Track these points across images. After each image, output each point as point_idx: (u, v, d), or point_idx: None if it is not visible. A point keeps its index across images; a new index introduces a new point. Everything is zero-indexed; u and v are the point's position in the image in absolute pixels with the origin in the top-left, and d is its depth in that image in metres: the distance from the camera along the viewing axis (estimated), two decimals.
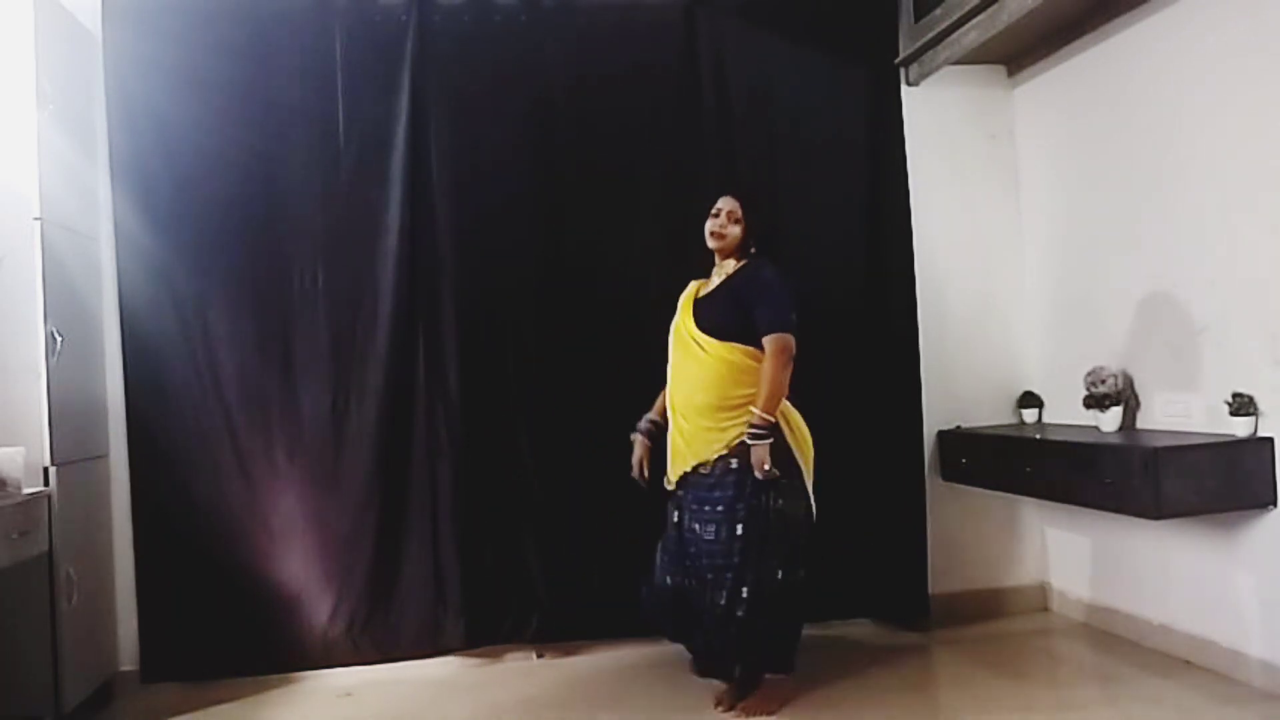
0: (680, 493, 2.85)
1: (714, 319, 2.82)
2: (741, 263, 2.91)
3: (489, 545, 3.41)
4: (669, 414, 2.91)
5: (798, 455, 2.79)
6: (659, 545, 2.94)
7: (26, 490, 2.72)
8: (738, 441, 2.72)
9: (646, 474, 3.00)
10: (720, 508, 2.73)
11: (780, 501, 2.74)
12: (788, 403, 2.80)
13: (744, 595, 2.70)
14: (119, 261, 3.29)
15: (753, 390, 2.72)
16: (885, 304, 3.67)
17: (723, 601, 2.71)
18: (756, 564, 2.71)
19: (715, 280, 2.94)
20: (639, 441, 3.03)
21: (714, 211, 2.92)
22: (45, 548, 2.78)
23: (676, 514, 2.88)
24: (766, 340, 2.74)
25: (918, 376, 3.68)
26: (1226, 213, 2.85)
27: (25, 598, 2.73)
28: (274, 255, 3.36)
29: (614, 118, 3.53)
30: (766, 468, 2.67)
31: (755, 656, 2.82)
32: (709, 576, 2.73)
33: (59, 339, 2.90)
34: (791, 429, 2.80)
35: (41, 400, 2.82)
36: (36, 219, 2.86)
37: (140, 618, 3.29)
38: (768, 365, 2.72)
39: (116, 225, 3.29)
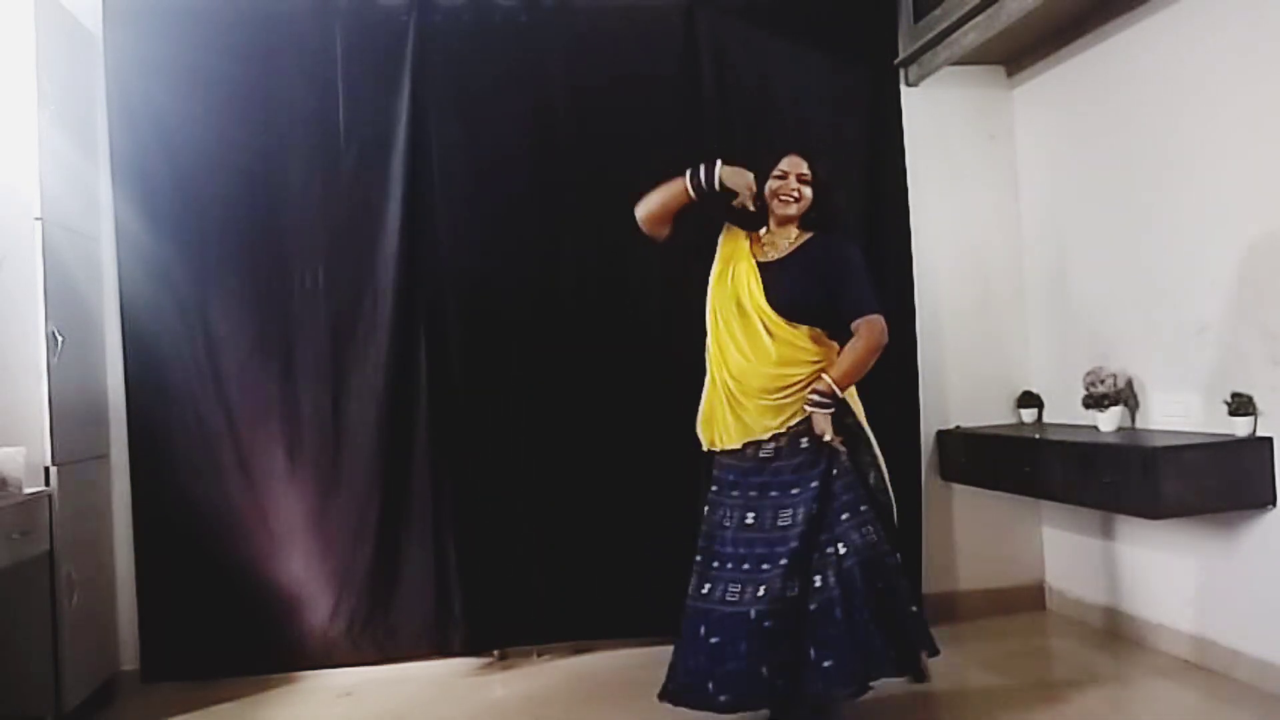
0: (729, 483, 2.61)
1: (792, 298, 2.58)
2: (807, 234, 2.67)
3: (490, 545, 3.41)
4: (718, 376, 2.65)
5: (871, 440, 2.62)
6: (714, 570, 2.57)
7: (27, 490, 2.72)
8: (799, 420, 2.54)
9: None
10: (815, 484, 2.49)
11: (872, 476, 2.59)
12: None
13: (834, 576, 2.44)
14: (120, 261, 3.30)
15: (810, 371, 2.54)
16: (884, 304, 3.65)
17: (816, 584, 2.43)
18: (868, 534, 2.48)
19: (784, 248, 2.66)
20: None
21: (779, 173, 2.64)
22: (46, 547, 2.79)
23: (732, 513, 2.59)
24: (861, 322, 2.56)
25: (915, 376, 3.68)
26: (1226, 212, 2.85)
27: (26, 597, 2.73)
28: (274, 255, 3.36)
29: (614, 117, 3.53)
30: (828, 439, 2.48)
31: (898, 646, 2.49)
32: (782, 563, 2.44)
33: (60, 339, 2.90)
34: (857, 406, 2.63)
35: (42, 400, 2.82)
36: (37, 219, 2.86)
37: (141, 617, 3.29)
38: (860, 344, 2.54)
39: (117, 225, 3.30)
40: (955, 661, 3.30)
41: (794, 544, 2.47)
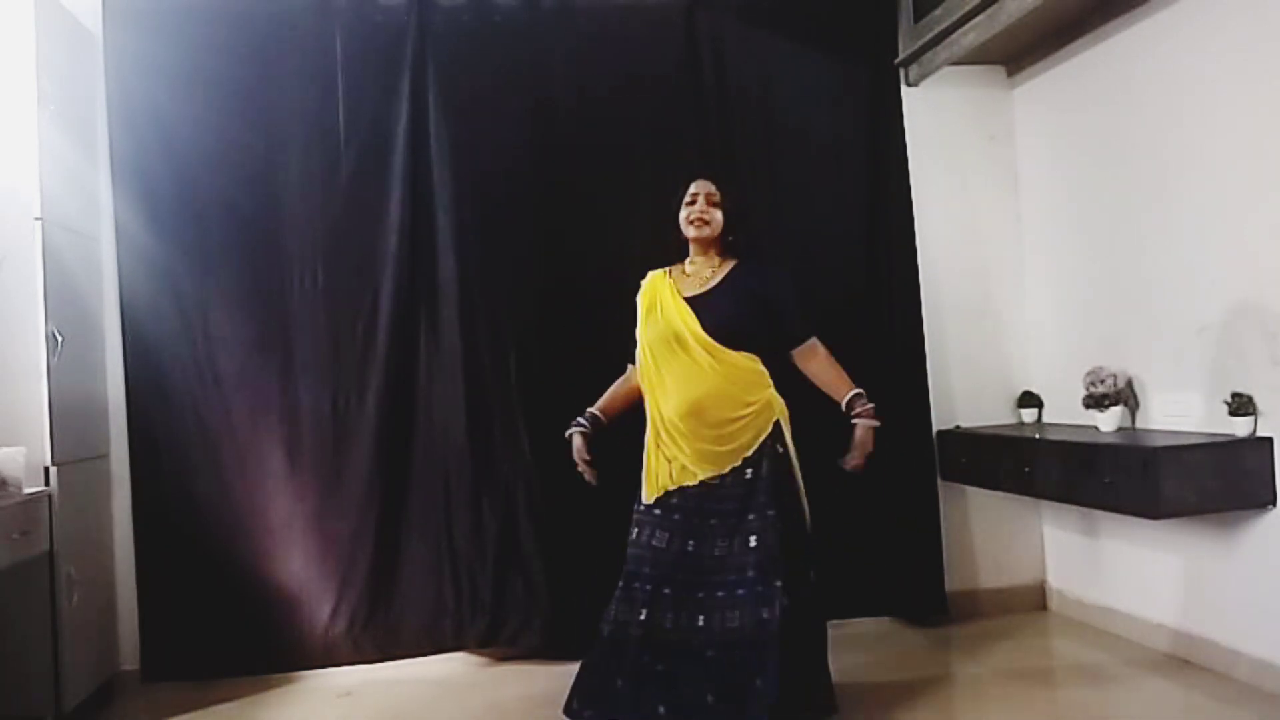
0: (673, 510, 2.61)
1: (728, 324, 2.62)
2: (732, 261, 2.74)
3: (490, 547, 3.41)
4: (655, 422, 2.67)
5: (796, 467, 2.67)
6: (632, 584, 2.60)
7: (27, 490, 2.73)
8: (751, 450, 2.58)
9: (592, 469, 2.79)
10: (751, 516, 2.53)
11: (791, 511, 2.59)
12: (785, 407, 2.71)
13: (780, 609, 2.43)
14: (120, 261, 3.30)
15: (757, 399, 2.61)
16: (889, 304, 3.67)
17: (764, 615, 2.44)
18: (789, 573, 2.48)
19: (708, 278, 2.71)
20: (579, 435, 2.81)
21: (689, 199, 2.72)
22: (46, 547, 2.79)
23: (666, 536, 2.60)
24: (809, 346, 2.75)
25: (924, 375, 3.68)
26: (1226, 212, 2.85)
27: (26, 597, 2.73)
28: (274, 255, 3.37)
29: (614, 117, 3.54)
30: (870, 450, 2.66)
31: (793, 689, 2.45)
32: (739, 593, 2.47)
33: (60, 339, 2.90)
34: (790, 438, 2.67)
35: (42, 400, 2.83)
36: (37, 219, 2.86)
37: (141, 617, 3.30)
38: (829, 360, 2.75)
39: (117, 225, 3.30)
40: (956, 661, 3.31)
41: (731, 575, 2.52)
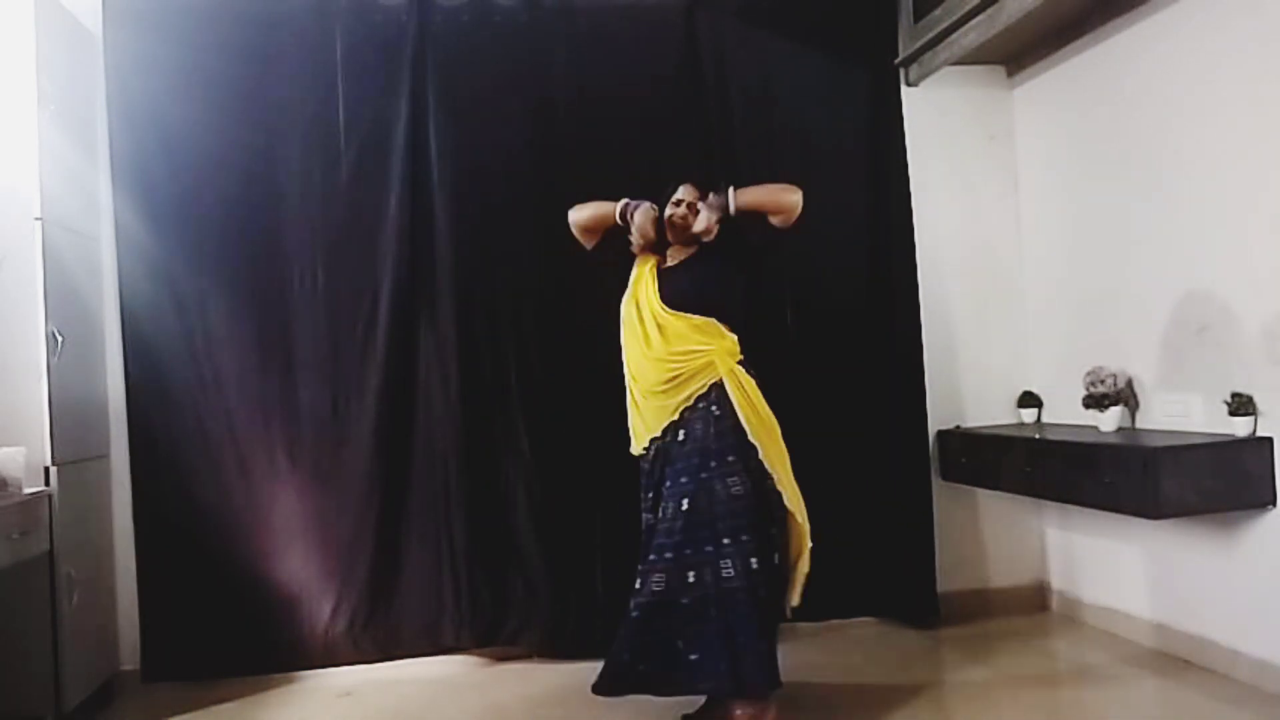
0: (651, 460, 2.74)
1: (681, 289, 2.74)
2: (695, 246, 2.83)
3: (491, 546, 3.41)
4: (629, 381, 2.83)
5: (749, 433, 2.60)
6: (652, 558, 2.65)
7: (27, 490, 2.73)
8: (684, 408, 2.66)
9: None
10: (684, 479, 2.60)
11: (734, 484, 2.57)
12: (746, 374, 2.67)
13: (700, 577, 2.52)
14: (120, 261, 3.30)
15: (699, 361, 2.65)
16: (888, 304, 3.67)
17: (689, 580, 2.53)
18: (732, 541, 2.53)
19: (680, 260, 2.82)
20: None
21: (675, 200, 2.81)
22: (46, 547, 2.79)
23: (649, 498, 2.75)
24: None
25: (922, 375, 3.68)
26: (1226, 212, 2.86)
27: (26, 597, 2.73)
28: (274, 255, 3.37)
29: (614, 117, 3.53)
30: (698, 229, 2.70)
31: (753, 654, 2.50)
32: (686, 552, 2.54)
33: (60, 339, 2.90)
34: (749, 399, 2.64)
35: (42, 400, 2.83)
36: (37, 219, 2.87)
37: (141, 617, 3.30)
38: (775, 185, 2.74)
39: (117, 225, 3.30)
40: (957, 662, 3.31)
41: (678, 538, 2.56)
